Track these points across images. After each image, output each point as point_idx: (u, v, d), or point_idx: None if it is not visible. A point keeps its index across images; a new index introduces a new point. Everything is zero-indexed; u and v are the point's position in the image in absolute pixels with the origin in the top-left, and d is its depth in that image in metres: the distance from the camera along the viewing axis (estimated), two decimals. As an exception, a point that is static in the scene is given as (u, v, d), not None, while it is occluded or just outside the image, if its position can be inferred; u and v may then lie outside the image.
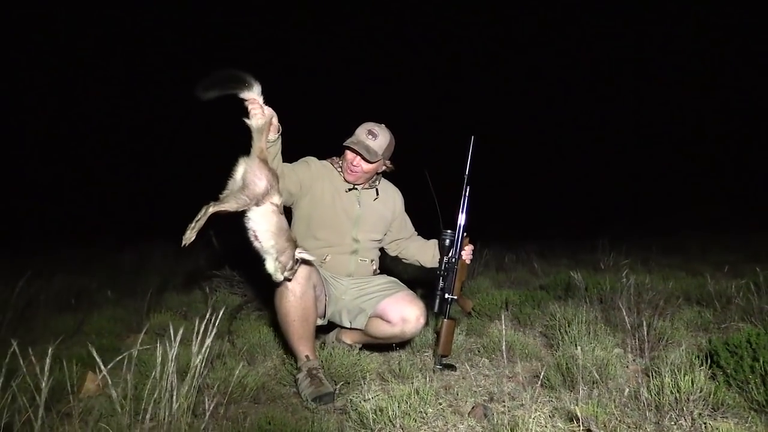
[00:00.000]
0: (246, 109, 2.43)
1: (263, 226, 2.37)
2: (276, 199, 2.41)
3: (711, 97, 19.10)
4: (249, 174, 2.34)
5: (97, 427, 1.90)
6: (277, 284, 2.56)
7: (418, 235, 3.32)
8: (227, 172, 2.41)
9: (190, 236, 2.22)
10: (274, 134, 2.53)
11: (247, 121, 2.41)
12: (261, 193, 2.35)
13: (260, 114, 2.41)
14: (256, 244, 2.39)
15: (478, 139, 2.98)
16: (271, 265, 2.41)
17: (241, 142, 2.44)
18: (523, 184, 17.54)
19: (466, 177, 2.97)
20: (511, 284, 5.19)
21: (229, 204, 2.30)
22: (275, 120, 2.51)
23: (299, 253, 2.46)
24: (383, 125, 2.94)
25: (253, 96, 2.40)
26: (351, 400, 2.26)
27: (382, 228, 3.10)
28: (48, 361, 1.63)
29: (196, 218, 2.24)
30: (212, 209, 2.27)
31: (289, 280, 2.52)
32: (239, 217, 2.38)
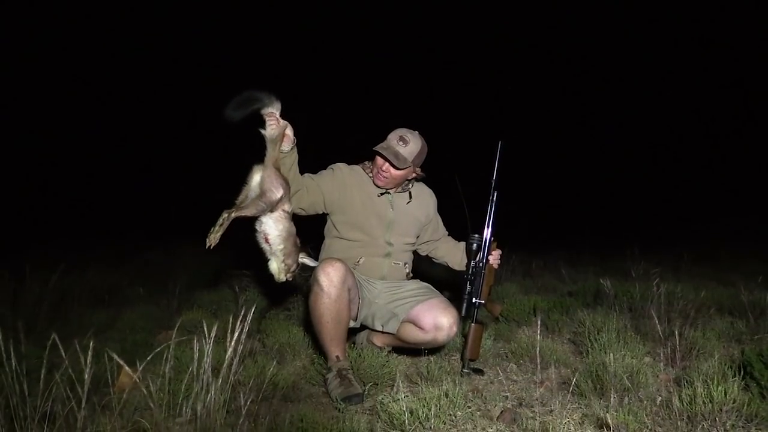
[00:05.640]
0: (264, 121, 2.61)
1: (275, 231, 2.58)
2: (287, 207, 2.61)
3: (751, 100, 18.65)
4: (266, 182, 2.54)
5: (133, 420, 1.94)
6: (313, 286, 2.66)
7: (449, 235, 3.34)
8: (240, 172, 2.63)
9: (215, 238, 2.43)
10: (287, 145, 2.67)
11: (262, 131, 2.59)
12: (276, 200, 2.55)
13: (275, 125, 2.58)
14: (264, 246, 2.61)
15: (506, 144, 2.98)
16: (275, 267, 2.63)
17: (256, 147, 2.63)
18: (551, 189, 17.37)
19: (493, 182, 2.98)
20: (539, 290, 5.15)
21: (248, 210, 2.51)
22: (290, 132, 2.66)
23: (302, 258, 2.69)
24: (416, 132, 2.96)
25: (272, 110, 2.57)
26: (380, 401, 2.28)
27: (415, 231, 3.11)
28: (90, 354, 1.68)
29: (219, 223, 2.44)
30: (234, 215, 2.47)
31: (290, 281, 2.70)
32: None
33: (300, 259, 2.69)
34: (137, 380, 1.78)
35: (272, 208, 2.55)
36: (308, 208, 2.91)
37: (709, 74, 20.33)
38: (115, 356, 1.77)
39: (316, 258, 2.88)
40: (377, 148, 2.89)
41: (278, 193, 2.54)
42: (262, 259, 2.67)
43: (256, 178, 2.56)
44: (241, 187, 2.59)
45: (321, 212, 2.99)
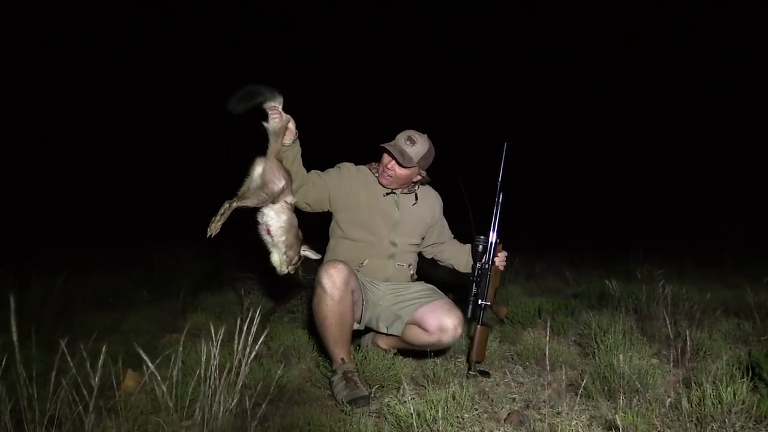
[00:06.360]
0: (267, 115, 2.62)
1: (277, 223, 2.59)
2: (289, 198, 2.62)
3: (754, 102, 18.57)
4: (268, 173, 2.54)
5: (137, 423, 1.94)
6: (316, 288, 2.65)
7: (454, 238, 3.33)
8: (241, 173, 2.61)
9: (216, 227, 2.43)
10: (290, 138, 2.68)
11: (265, 123, 2.60)
12: (278, 191, 2.55)
13: (278, 118, 2.59)
14: (266, 237, 2.62)
15: (511, 145, 2.98)
16: (277, 258, 2.64)
17: (259, 144, 2.64)
18: (553, 191, 17.36)
19: (498, 184, 2.97)
20: (543, 292, 5.14)
21: (250, 200, 2.52)
22: (292, 125, 2.67)
23: (304, 251, 2.69)
24: (425, 135, 2.95)
25: (274, 104, 2.58)
26: (386, 403, 2.27)
27: (421, 232, 3.10)
28: (101, 358, 1.67)
29: (220, 212, 2.44)
30: (235, 204, 2.48)
31: (291, 274, 2.70)
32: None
33: (302, 252, 2.68)
34: (145, 382, 1.77)
35: (274, 199, 2.55)
36: (314, 204, 2.91)
37: (712, 76, 20.32)
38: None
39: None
40: (384, 144, 2.90)
41: (280, 183, 2.55)
42: (264, 253, 2.66)
43: (257, 169, 2.56)
44: (243, 180, 2.60)
45: (326, 209, 2.99)
